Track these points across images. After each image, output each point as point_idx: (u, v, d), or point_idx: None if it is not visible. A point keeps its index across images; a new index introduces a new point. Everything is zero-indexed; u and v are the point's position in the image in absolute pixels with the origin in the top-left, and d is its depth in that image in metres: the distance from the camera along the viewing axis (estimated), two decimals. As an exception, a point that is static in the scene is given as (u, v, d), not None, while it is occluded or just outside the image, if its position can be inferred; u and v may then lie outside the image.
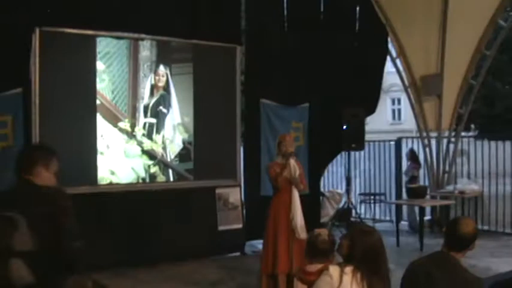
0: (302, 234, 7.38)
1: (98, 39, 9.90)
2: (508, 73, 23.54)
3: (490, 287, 4.10)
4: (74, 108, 9.55)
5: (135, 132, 10.27)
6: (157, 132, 10.53)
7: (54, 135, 9.24)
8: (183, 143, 10.84)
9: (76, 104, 9.59)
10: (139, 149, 10.33)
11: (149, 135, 10.43)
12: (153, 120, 10.49)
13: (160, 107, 10.59)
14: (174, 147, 10.78)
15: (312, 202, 11.48)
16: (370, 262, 4.13)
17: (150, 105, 10.47)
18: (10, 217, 3.59)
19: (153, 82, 10.50)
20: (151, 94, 10.50)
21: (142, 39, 10.34)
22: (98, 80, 9.87)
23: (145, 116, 10.41)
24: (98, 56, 9.91)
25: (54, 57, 9.36)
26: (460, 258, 4.39)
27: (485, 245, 10.92)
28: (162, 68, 10.60)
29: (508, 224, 12.75)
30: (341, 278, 4.07)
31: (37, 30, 9.11)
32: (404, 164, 14.51)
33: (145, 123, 10.40)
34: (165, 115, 10.64)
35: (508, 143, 13.02)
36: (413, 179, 13.46)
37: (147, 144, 10.42)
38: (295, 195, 7.83)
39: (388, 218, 14.92)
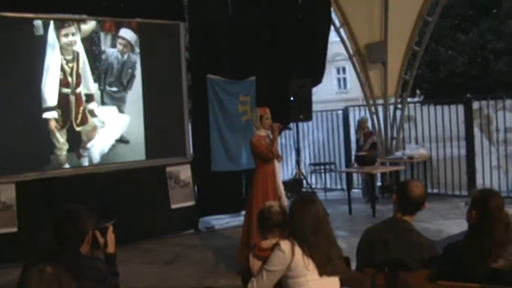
0: (285, 201, 7.59)
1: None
2: (450, 38, 23.84)
3: (444, 250, 4.13)
4: (18, 94, 9.35)
5: (86, 113, 10.11)
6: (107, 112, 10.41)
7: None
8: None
9: (21, 90, 9.39)
10: (89, 130, 10.19)
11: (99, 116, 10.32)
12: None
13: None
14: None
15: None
16: (311, 233, 4.06)
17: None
18: None
19: (99, 62, 10.36)
20: (98, 74, 10.36)
21: (85, 20, 10.14)
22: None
23: (94, 97, 10.26)
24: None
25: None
26: (413, 222, 4.44)
27: (436, 208, 11.12)
28: (106, 48, 10.46)
29: (457, 186, 12.99)
30: (293, 252, 4.00)
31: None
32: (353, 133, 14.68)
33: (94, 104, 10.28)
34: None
35: (453, 106, 13.17)
36: (374, 145, 13.51)
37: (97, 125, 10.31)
38: (277, 165, 8.14)
39: (339, 186, 15.05)
